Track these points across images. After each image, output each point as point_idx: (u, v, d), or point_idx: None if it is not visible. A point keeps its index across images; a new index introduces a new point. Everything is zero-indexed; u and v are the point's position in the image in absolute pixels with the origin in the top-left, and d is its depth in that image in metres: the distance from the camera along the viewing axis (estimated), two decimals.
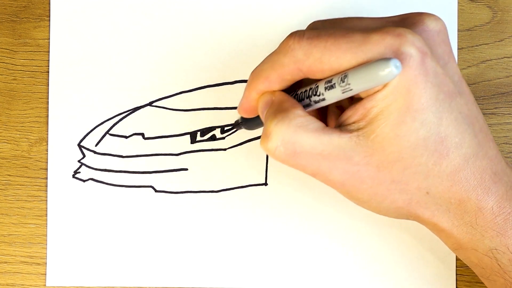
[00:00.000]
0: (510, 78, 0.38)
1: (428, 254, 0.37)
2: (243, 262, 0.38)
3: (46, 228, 0.38)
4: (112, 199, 0.38)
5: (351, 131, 0.28)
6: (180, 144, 0.38)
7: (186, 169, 0.38)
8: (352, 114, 0.28)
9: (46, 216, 0.38)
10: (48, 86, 0.38)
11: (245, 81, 0.38)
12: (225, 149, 0.38)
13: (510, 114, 0.38)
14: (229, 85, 0.38)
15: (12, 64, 0.39)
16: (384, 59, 0.25)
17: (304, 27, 0.38)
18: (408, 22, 0.29)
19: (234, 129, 0.38)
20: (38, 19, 0.39)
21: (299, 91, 0.30)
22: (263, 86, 0.30)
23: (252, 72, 0.31)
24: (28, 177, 0.38)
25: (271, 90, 0.30)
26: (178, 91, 0.38)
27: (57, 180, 0.38)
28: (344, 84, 0.27)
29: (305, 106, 0.30)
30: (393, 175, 0.28)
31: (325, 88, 0.28)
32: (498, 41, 0.38)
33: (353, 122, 0.28)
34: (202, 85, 0.38)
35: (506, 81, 0.38)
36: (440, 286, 0.37)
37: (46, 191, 0.38)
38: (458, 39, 0.38)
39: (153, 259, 0.38)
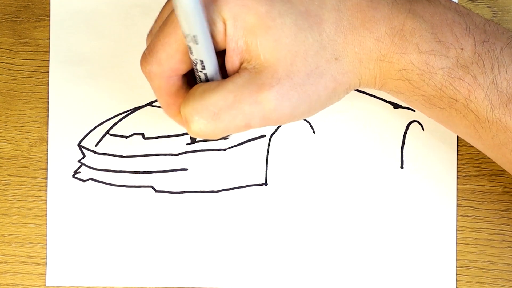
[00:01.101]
0: None
1: (428, 254, 0.37)
2: (243, 262, 0.38)
3: (46, 228, 0.38)
4: (112, 199, 0.38)
5: (244, 69, 0.28)
6: (180, 144, 0.38)
7: (186, 169, 0.38)
8: (231, 60, 0.29)
9: (46, 216, 0.38)
10: (48, 86, 0.38)
11: None
12: (225, 149, 0.38)
13: None
14: None
15: (12, 64, 0.39)
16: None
17: None
18: None
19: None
20: (38, 19, 0.39)
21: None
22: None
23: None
24: (28, 177, 0.38)
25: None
26: None
27: (57, 180, 0.38)
28: (189, 38, 0.27)
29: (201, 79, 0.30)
30: (300, 72, 0.28)
31: (190, 50, 0.28)
32: None
33: (239, 63, 0.29)
34: None
35: None
36: (440, 286, 0.37)
37: (46, 191, 0.38)
38: None
39: (153, 259, 0.38)
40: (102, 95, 0.38)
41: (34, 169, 0.38)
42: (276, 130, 0.38)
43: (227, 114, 0.28)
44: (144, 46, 0.38)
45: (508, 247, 0.38)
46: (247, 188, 0.38)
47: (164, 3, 0.32)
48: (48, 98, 0.38)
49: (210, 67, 0.29)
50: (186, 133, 0.38)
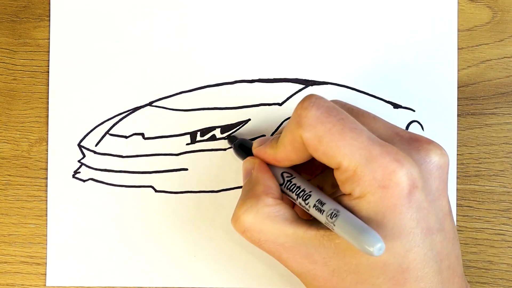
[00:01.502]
0: (510, 78, 0.38)
1: None
2: (243, 262, 0.38)
3: (46, 228, 0.38)
4: (112, 199, 0.38)
5: (318, 229, 0.28)
6: (180, 144, 0.38)
7: (186, 169, 0.38)
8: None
9: (46, 216, 0.38)
10: (48, 86, 0.38)
11: (245, 81, 0.38)
12: (225, 149, 0.38)
13: (510, 114, 0.38)
14: (229, 85, 0.38)
15: (12, 64, 0.39)
16: (375, 237, 0.25)
17: (303, 28, 0.38)
18: (415, 146, 0.29)
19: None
20: (38, 19, 0.39)
21: (294, 180, 0.30)
22: (281, 153, 0.30)
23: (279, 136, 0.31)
24: (28, 177, 0.38)
25: (256, 159, 0.32)
26: (178, 91, 0.38)
27: (57, 180, 0.38)
28: (330, 220, 0.27)
29: (287, 189, 0.30)
30: (345, 284, 0.28)
31: (314, 206, 0.28)
32: (498, 41, 0.38)
33: (324, 222, 0.28)
34: (202, 85, 0.38)
35: (506, 81, 0.38)
36: None
37: (46, 191, 0.38)
38: (458, 39, 0.38)
39: (153, 259, 0.38)
40: (102, 95, 0.38)
41: (34, 169, 0.38)
42: (276, 130, 0.38)
43: (268, 247, 0.29)
44: (144, 45, 0.38)
45: (508, 247, 0.38)
46: None
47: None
48: (48, 98, 0.38)
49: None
50: (186, 133, 0.38)
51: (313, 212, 0.28)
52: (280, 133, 0.31)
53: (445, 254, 0.28)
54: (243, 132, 0.38)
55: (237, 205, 0.30)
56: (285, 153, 0.30)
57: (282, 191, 0.31)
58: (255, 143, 0.32)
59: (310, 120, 0.27)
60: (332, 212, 0.27)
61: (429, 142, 0.29)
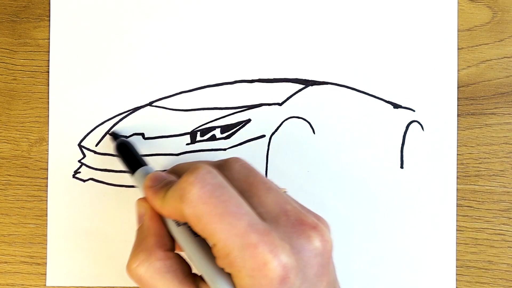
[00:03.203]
0: (510, 78, 0.38)
1: (428, 254, 0.37)
2: None
3: (46, 228, 0.38)
4: (112, 199, 0.38)
5: None
6: (180, 144, 0.38)
7: None
8: None
9: (46, 216, 0.38)
10: (48, 86, 0.38)
11: (245, 81, 0.38)
12: (225, 149, 0.38)
13: (510, 114, 0.38)
14: (229, 85, 0.38)
15: (12, 64, 0.39)
16: (223, 284, 0.27)
17: (303, 28, 0.38)
18: (298, 229, 0.29)
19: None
20: (38, 19, 0.39)
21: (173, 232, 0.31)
22: (165, 210, 0.30)
23: (168, 191, 0.30)
24: (28, 177, 0.38)
25: (148, 205, 0.32)
26: (178, 91, 0.38)
27: (57, 180, 0.38)
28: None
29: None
30: None
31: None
32: (498, 41, 0.38)
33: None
34: (202, 85, 0.38)
35: (506, 81, 0.38)
36: (440, 286, 0.37)
37: (46, 191, 0.38)
38: (458, 39, 0.38)
39: None
40: (102, 95, 0.38)
41: (34, 169, 0.38)
42: (276, 130, 0.38)
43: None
44: (144, 45, 0.38)
45: (508, 247, 0.38)
46: None
47: None
48: (48, 98, 0.38)
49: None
50: (186, 133, 0.38)
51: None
52: (171, 183, 0.31)
53: None
54: (241, 132, 0.38)
55: (130, 255, 0.30)
56: (169, 213, 0.30)
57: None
58: (147, 181, 0.32)
59: (192, 198, 0.27)
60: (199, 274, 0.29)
61: (313, 227, 0.29)
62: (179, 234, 0.30)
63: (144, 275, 0.29)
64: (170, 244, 0.31)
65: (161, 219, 0.31)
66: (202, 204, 0.27)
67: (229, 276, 0.27)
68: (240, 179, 0.30)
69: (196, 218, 0.27)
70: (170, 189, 0.29)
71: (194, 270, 0.31)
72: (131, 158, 0.35)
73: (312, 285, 0.28)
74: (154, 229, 0.31)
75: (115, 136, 0.37)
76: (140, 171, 0.34)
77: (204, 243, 0.29)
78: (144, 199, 0.32)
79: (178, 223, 0.30)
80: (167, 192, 0.30)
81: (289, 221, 0.29)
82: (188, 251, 0.29)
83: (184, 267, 0.30)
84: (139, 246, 0.30)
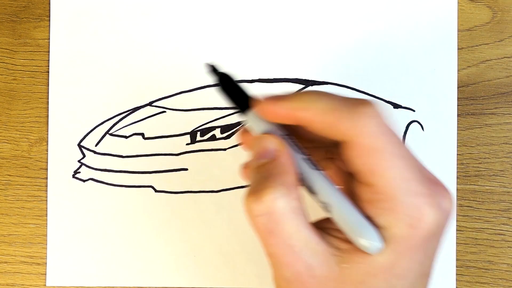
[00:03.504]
0: (510, 78, 0.38)
1: None
2: (243, 262, 0.38)
3: (46, 228, 0.38)
4: (112, 199, 0.38)
5: (330, 245, 0.27)
6: (180, 144, 0.38)
7: (186, 169, 0.38)
8: (344, 239, 0.27)
9: (46, 216, 0.38)
10: (48, 86, 0.38)
11: (245, 81, 0.38)
12: (225, 149, 0.38)
13: (510, 114, 0.38)
14: None
15: (12, 64, 0.39)
16: (373, 234, 0.25)
17: (303, 28, 0.38)
18: (435, 188, 0.27)
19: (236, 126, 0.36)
20: (38, 19, 0.39)
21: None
22: (307, 114, 0.27)
23: (318, 98, 0.27)
24: (28, 177, 0.38)
25: (282, 142, 0.28)
26: (178, 91, 0.38)
27: (57, 180, 0.38)
28: (327, 212, 0.26)
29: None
30: None
31: (322, 206, 0.27)
32: (498, 41, 0.38)
33: (337, 237, 0.27)
34: (202, 85, 0.38)
35: (506, 81, 0.38)
36: (440, 286, 0.37)
37: (46, 191, 0.38)
38: (458, 39, 0.38)
39: (153, 259, 0.38)
40: (102, 95, 0.38)
41: (34, 169, 0.38)
42: None
43: (274, 241, 0.27)
44: (144, 46, 0.38)
45: (508, 247, 0.38)
46: (247, 188, 0.38)
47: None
48: (48, 98, 0.38)
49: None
50: (186, 133, 0.38)
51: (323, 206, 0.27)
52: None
53: None
54: None
55: (261, 185, 0.27)
56: (311, 120, 0.26)
57: None
58: (265, 97, 0.28)
59: (375, 129, 0.25)
60: (324, 207, 0.26)
61: (445, 188, 0.28)
62: (311, 171, 0.27)
63: (280, 210, 0.26)
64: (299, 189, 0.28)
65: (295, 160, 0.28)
66: (382, 138, 0.25)
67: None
68: None
69: (371, 151, 0.25)
70: (332, 100, 0.26)
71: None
72: (239, 94, 0.29)
73: (438, 246, 0.28)
74: (292, 167, 0.27)
75: (214, 69, 0.29)
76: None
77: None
78: (271, 136, 0.28)
79: (310, 159, 0.27)
80: (320, 99, 0.26)
81: (427, 179, 0.27)
82: (326, 190, 0.27)
83: (308, 215, 0.27)
84: (274, 180, 0.27)
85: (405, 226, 0.25)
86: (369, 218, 0.26)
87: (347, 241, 0.26)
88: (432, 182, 0.27)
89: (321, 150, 0.30)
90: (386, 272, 0.26)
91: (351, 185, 0.27)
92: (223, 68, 0.29)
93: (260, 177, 0.27)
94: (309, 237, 0.26)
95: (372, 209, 0.26)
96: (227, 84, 0.29)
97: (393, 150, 0.25)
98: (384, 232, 0.26)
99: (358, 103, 0.26)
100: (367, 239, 0.25)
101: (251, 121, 0.28)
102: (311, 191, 0.27)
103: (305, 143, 0.29)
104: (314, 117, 0.26)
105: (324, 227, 0.28)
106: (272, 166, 0.28)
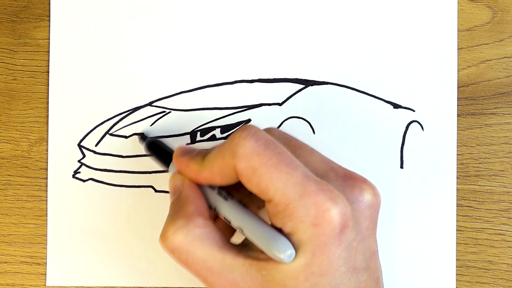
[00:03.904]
0: (510, 78, 0.38)
1: (428, 254, 0.37)
2: None
3: (46, 228, 0.38)
4: (112, 199, 0.38)
5: (246, 257, 0.28)
6: (180, 144, 0.38)
7: None
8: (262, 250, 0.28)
9: (46, 216, 0.38)
10: (48, 86, 0.38)
11: (245, 81, 0.38)
12: None
13: (510, 114, 0.38)
14: (229, 85, 0.38)
15: (12, 64, 0.39)
16: (285, 244, 0.26)
17: (303, 28, 0.38)
18: (349, 183, 0.29)
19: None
20: (38, 19, 0.39)
21: (211, 199, 0.30)
22: (205, 174, 0.30)
23: (206, 154, 0.30)
24: (28, 177, 0.38)
25: (185, 176, 0.31)
26: (178, 91, 0.38)
27: (57, 180, 0.38)
28: (242, 235, 0.28)
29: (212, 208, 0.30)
30: None
31: (228, 219, 0.29)
32: (498, 41, 0.38)
33: (256, 249, 0.28)
34: (202, 85, 0.38)
35: (506, 81, 0.38)
36: (440, 286, 0.37)
37: (46, 191, 0.38)
38: (458, 39, 0.38)
39: (153, 259, 0.38)
40: (102, 95, 0.38)
41: (34, 169, 0.38)
42: None
43: (195, 269, 0.29)
44: (144, 46, 0.38)
45: (508, 247, 0.38)
46: None
47: None
48: (48, 98, 0.38)
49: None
50: (186, 133, 0.38)
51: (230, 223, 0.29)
52: (204, 151, 0.31)
53: None
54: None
55: (166, 223, 0.29)
56: (210, 175, 0.29)
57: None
58: (177, 151, 0.32)
59: (247, 151, 0.27)
60: (240, 230, 0.28)
61: (363, 180, 0.29)
62: (221, 201, 0.30)
63: (182, 242, 0.28)
64: (208, 213, 0.30)
65: (199, 190, 0.31)
66: (257, 157, 0.27)
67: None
68: (283, 142, 0.29)
69: (251, 171, 0.27)
70: (214, 150, 0.29)
71: (232, 240, 0.30)
72: (164, 154, 0.35)
73: (365, 238, 0.28)
74: (192, 197, 0.30)
75: (143, 137, 0.37)
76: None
77: (250, 209, 0.29)
78: (178, 173, 0.32)
79: (219, 191, 0.30)
80: (208, 155, 0.29)
81: (339, 176, 0.29)
82: (236, 215, 0.29)
83: (221, 235, 0.29)
84: (177, 214, 0.29)
85: (309, 226, 0.26)
86: (279, 231, 0.27)
87: None
88: (345, 177, 0.29)
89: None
90: (305, 272, 0.27)
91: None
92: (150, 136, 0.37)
93: (169, 214, 0.30)
94: (223, 256, 0.28)
95: (278, 220, 0.27)
96: (155, 148, 0.35)
97: (271, 162, 0.27)
98: (292, 238, 0.27)
99: (232, 136, 0.28)
100: (279, 250, 0.26)
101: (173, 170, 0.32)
102: (226, 220, 0.29)
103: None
104: (210, 174, 0.29)
105: (246, 243, 0.29)
106: (177, 201, 0.30)
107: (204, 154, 0.30)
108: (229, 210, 0.29)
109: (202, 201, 0.30)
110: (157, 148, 0.35)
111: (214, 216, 0.31)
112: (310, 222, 0.26)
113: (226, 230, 0.32)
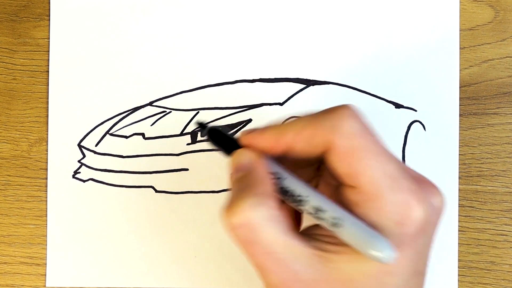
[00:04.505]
0: None
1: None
2: (244, 263, 0.37)
3: (46, 229, 0.38)
4: (112, 200, 0.38)
5: (315, 248, 0.27)
6: (181, 144, 0.38)
7: (187, 169, 0.38)
8: (331, 234, 0.27)
9: (46, 217, 0.38)
10: (48, 86, 0.38)
11: (246, 80, 0.38)
12: None
13: None
14: (229, 85, 0.38)
15: (11, 63, 0.38)
16: (384, 243, 0.25)
17: (303, 27, 0.38)
18: (422, 186, 0.27)
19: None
20: (38, 18, 0.38)
21: (287, 182, 0.28)
22: (287, 137, 0.27)
23: (295, 120, 0.28)
24: (28, 177, 0.38)
25: (255, 153, 0.28)
26: (179, 91, 0.38)
27: (57, 180, 0.38)
28: (332, 229, 0.26)
29: (283, 193, 0.28)
30: None
31: (311, 213, 0.27)
32: (500, 41, 0.38)
33: (324, 241, 0.27)
34: (203, 85, 0.38)
35: (508, 80, 0.38)
36: (442, 286, 0.37)
37: (46, 191, 0.38)
38: (460, 39, 0.38)
39: (153, 260, 0.37)
40: (102, 95, 0.38)
41: (34, 169, 0.38)
42: None
43: (255, 251, 0.27)
44: (144, 45, 0.38)
45: (510, 247, 0.37)
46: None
47: None
48: (48, 98, 0.38)
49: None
50: (186, 133, 0.38)
51: (312, 217, 0.27)
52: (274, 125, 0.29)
53: None
54: None
55: (233, 198, 0.27)
56: (293, 140, 0.27)
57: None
58: (243, 131, 0.29)
59: (351, 130, 0.26)
60: (333, 222, 0.26)
61: (434, 185, 0.28)
62: (309, 189, 0.27)
63: (253, 220, 0.26)
64: (277, 197, 0.28)
65: (268, 171, 0.28)
66: (359, 138, 0.26)
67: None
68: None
69: (350, 151, 0.25)
70: (305, 118, 0.27)
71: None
72: (227, 142, 0.31)
73: (429, 243, 0.28)
74: (265, 177, 0.28)
75: (201, 125, 0.32)
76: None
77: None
78: (244, 150, 0.29)
79: (282, 178, 0.28)
80: (296, 121, 0.27)
81: (413, 178, 0.27)
82: (314, 197, 0.27)
83: (291, 222, 0.28)
84: (245, 192, 0.27)
85: (393, 223, 0.25)
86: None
87: (335, 243, 0.26)
88: (419, 180, 0.27)
89: (309, 171, 0.30)
90: (375, 269, 0.26)
91: (339, 196, 0.27)
92: (209, 123, 0.33)
93: (236, 190, 0.28)
94: (290, 242, 0.26)
95: (360, 210, 0.26)
96: (216, 136, 0.31)
97: (372, 148, 0.26)
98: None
99: (333, 109, 0.26)
100: (378, 250, 0.24)
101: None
102: (317, 209, 0.27)
103: (293, 170, 0.29)
104: (295, 137, 0.27)
105: (310, 233, 0.27)
106: (247, 178, 0.28)
107: (276, 126, 0.28)
108: (321, 199, 0.27)
109: (272, 184, 0.28)
110: (219, 135, 0.31)
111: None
112: (396, 219, 0.25)
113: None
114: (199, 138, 0.38)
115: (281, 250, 0.27)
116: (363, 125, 0.26)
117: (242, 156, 0.29)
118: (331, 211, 0.26)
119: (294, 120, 0.28)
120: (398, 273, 0.26)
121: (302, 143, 0.27)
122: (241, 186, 0.28)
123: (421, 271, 0.27)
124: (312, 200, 0.27)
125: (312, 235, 0.27)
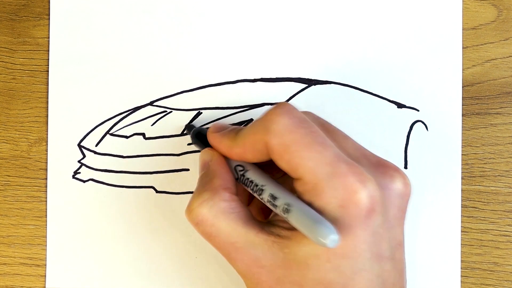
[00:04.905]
0: None
1: (432, 256, 0.37)
2: None
3: (46, 229, 0.38)
4: (113, 200, 0.38)
5: (272, 234, 0.28)
6: (181, 144, 0.38)
7: (188, 170, 0.38)
8: (286, 227, 0.28)
9: (46, 217, 0.38)
10: (47, 85, 0.38)
11: (247, 80, 0.38)
12: None
13: None
14: (230, 85, 0.38)
15: (11, 63, 0.38)
16: (329, 228, 0.25)
17: (305, 27, 0.38)
18: (381, 170, 0.29)
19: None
20: (37, 17, 0.38)
21: (248, 174, 0.30)
22: (237, 149, 0.30)
23: (239, 130, 0.30)
24: (28, 178, 0.38)
25: (215, 151, 0.31)
26: (179, 91, 0.38)
27: (57, 181, 0.38)
28: (283, 215, 0.27)
29: (241, 182, 0.30)
30: None
31: (268, 201, 0.28)
32: (503, 40, 0.38)
33: (279, 226, 0.28)
34: (204, 85, 0.38)
35: (511, 80, 0.38)
36: (444, 287, 0.37)
37: (46, 191, 0.38)
38: (463, 38, 0.38)
39: (154, 261, 0.37)
40: (102, 95, 0.38)
41: (33, 170, 0.38)
42: None
43: (218, 243, 0.29)
44: (144, 45, 0.38)
45: None
46: None
47: None
48: (47, 98, 0.38)
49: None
50: (187, 133, 0.38)
51: (269, 205, 0.29)
52: (238, 128, 0.31)
53: (391, 283, 0.28)
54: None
55: (192, 197, 0.30)
56: (242, 151, 0.29)
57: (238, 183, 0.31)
58: (211, 127, 0.32)
59: (280, 128, 0.27)
60: (284, 208, 0.27)
61: (396, 169, 0.29)
62: (266, 177, 0.29)
63: (207, 215, 0.29)
64: (234, 189, 0.30)
65: (227, 165, 0.31)
66: (289, 134, 0.27)
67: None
68: (317, 125, 0.29)
69: (283, 148, 0.27)
70: (247, 126, 0.29)
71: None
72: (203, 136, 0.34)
73: (392, 226, 0.28)
74: (220, 172, 0.30)
75: (190, 128, 0.37)
76: None
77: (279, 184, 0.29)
78: (208, 148, 0.32)
79: (242, 169, 0.30)
80: (241, 131, 0.29)
81: (371, 163, 0.29)
82: (270, 186, 0.28)
83: (247, 211, 0.29)
84: (203, 187, 0.30)
85: (335, 207, 0.26)
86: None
87: (289, 228, 0.28)
88: (378, 164, 0.29)
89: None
90: (328, 253, 0.26)
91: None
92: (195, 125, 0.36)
93: (197, 187, 0.30)
94: (246, 230, 0.28)
95: (306, 199, 0.27)
96: (200, 137, 0.34)
97: (304, 140, 0.27)
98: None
99: (267, 112, 0.28)
100: (323, 235, 0.25)
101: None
102: (272, 196, 0.28)
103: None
104: (243, 149, 0.29)
105: (273, 220, 0.29)
106: (206, 175, 0.31)
107: (237, 130, 0.30)
108: (276, 188, 0.28)
109: (229, 176, 0.30)
110: (201, 137, 0.35)
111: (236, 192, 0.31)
112: (337, 203, 0.26)
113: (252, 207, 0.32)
114: None
115: (239, 239, 0.28)
116: (293, 120, 0.27)
117: (205, 154, 0.32)
118: (283, 198, 0.28)
119: (242, 131, 0.29)
120: (353, 256, 0.26)
121: (250, 153, 0.29)
122: (202, 183, 0.30)
123: (384, 255, 0.28)
124: (269, 189, 0.28)
125: (273, 222, 0.29)
